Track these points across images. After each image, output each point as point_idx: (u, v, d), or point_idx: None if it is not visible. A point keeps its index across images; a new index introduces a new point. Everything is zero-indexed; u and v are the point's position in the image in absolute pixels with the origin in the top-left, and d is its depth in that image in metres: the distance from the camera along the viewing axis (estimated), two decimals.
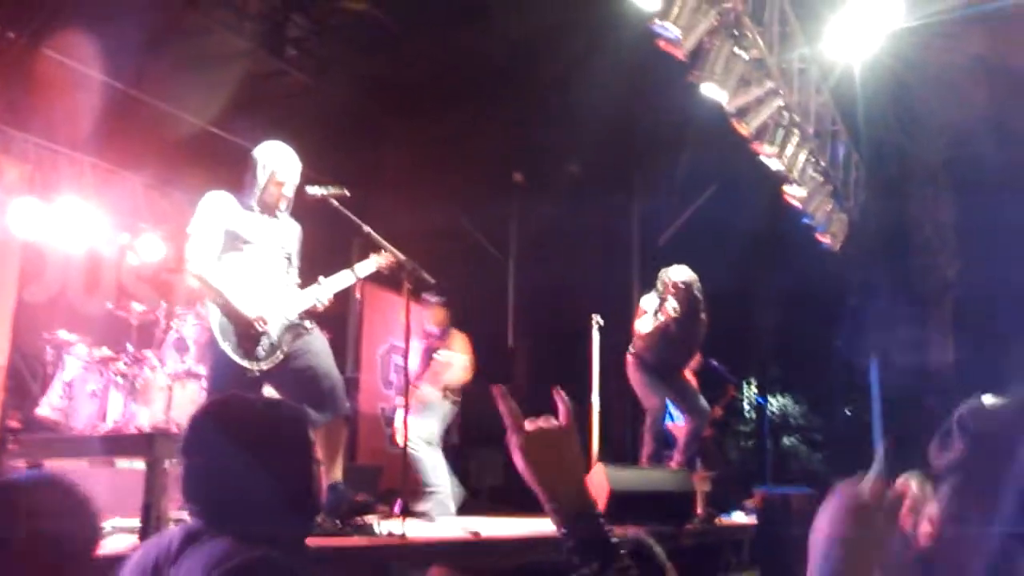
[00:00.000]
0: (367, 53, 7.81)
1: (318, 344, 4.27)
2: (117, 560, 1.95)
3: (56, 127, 6.87)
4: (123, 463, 3.72)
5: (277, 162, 4.20)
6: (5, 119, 6.57)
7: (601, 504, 4.90)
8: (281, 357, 4.07)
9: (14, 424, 5.23)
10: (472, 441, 10.46)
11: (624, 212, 10.88)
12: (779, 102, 7.57)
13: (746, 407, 11.40)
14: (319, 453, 2.91)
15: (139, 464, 3.32)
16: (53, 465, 3.58)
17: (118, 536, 3.31)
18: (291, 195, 4.28)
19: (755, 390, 11.50)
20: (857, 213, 10.29)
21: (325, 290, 4.28)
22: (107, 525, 3.58)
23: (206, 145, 7.42)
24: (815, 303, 11.14)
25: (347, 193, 4.42)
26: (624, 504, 5.51)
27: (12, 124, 6.67)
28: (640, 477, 6.18)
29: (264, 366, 4.02)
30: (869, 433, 11.35)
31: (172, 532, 1.90)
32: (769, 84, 7.32)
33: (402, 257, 4.59)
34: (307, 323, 4.22)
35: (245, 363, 3.97)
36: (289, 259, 4.32)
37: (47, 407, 5.05)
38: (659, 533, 5.34)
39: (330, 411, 4.09)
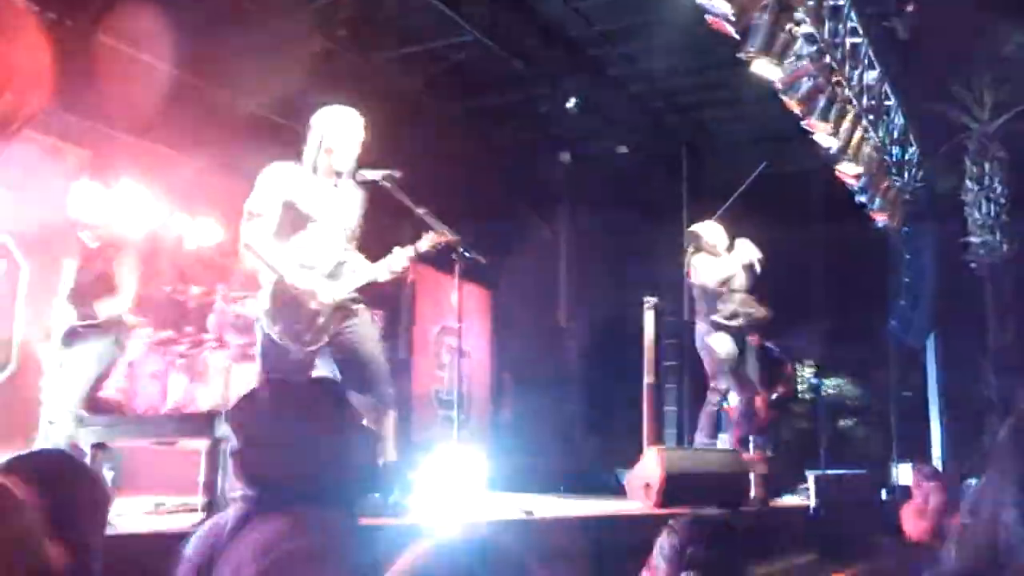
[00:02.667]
0: (418, 35, 7.83)
1: (366, 328, 4.23)
2: (180, 538, 2.00)
3: (114, 112, 6.99)
4: (185, 442, 3.79)
5: (330, 128, 4.11)
6: (64, 105, 6.69)
7: (656, 486, 4.88)
8: (327, 339, 4.06)
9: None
10: (526, 422, 10.49)
11: (674, 191, 10.78)
12: (831, 78, 7.44)
13: (801, 388, 11.27)
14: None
15: (200, 444, 3.38)
16: (121, 447, 3.67)
17: (181, 515, 3.38)
18: (350, 160, 4.19)
19: (810, 371, 11.36)
20: (913, 190, 10.09)
21: (379, 269, 4.26)
22: (169, 503, 3.67)
23: (261, 128, 7.50)
24: (870, 282, 10.97)
25: (398, 174, 4.41)
26: (679, 487, 5.50)
27: (71, 110, 6.80)
28: (694, 459, 6.16)
29: (312, 347, 4.03)
30: (926, 414, 11.17)
31: (229, 512, 1.93)
32: (821, 59, 7.20)
33: (454, 237, 4.57)
34: (355, 305, 4.19)
35: (294, 344, 3.98)
36: (347, 231, 4.25)
37: (110, 388, 5.16)
38: (713, 516, 5.32)
39: (375, 394, 4.06)
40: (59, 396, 4.53)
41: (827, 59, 7.26)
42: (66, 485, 1.72)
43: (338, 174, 4.15)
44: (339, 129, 4.14)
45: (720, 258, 6.88)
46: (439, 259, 4.79)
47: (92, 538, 1.78)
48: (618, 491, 6.20)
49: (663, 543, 2.19)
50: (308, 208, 4.05)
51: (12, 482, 1.55)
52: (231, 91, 7.51)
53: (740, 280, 6.82)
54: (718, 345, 6.66)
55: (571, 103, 9.00)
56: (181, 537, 1.99)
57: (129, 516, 3.31)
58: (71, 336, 4.66)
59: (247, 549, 1.73)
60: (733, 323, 6.67)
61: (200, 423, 3.27)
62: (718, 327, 6.66)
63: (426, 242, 4.45)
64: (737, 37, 6.31)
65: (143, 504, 3.72)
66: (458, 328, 4.95)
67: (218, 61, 7.16)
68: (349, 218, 4.25)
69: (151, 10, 6.03)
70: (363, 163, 4.41)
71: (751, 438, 7.11)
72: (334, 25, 7.36)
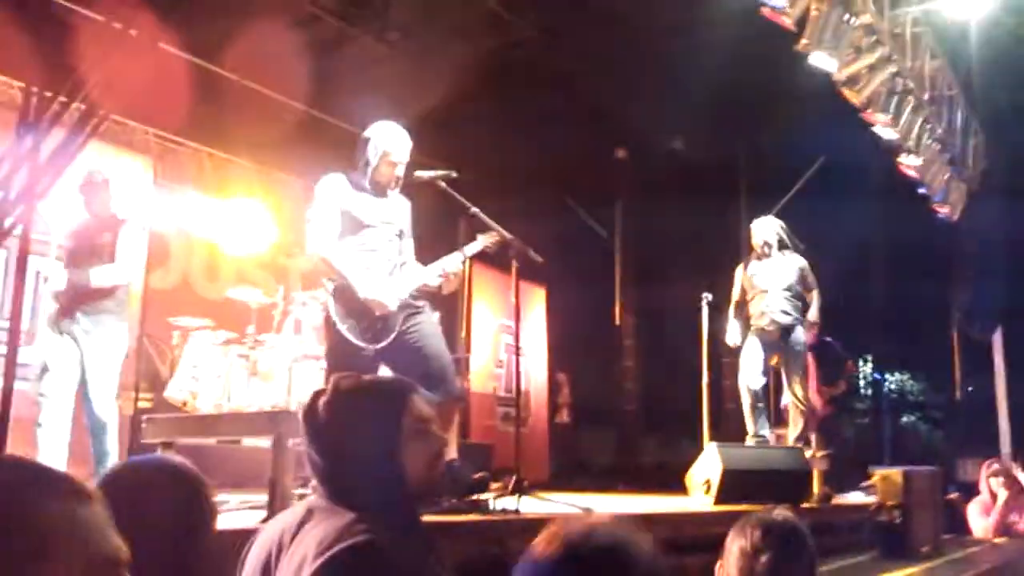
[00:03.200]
0: (470, 34, 7.86)
1: (429, 325, 4.34)
2: (246, 534, 2.04)
3: (174, 119, 7.14)
4: (249, 441, 3.87)
5: (389, 142, 4.28)
6: (127, 113, 6.86)
7: (715, 482, 4.84)
8: (393, 337, 4.15)
9: (147, 405, 5.51)
10: (584, 420, 10.50)
11: (731, 186, 10.69)
12: (891, 68, 7.32)
13: (862, 384, 11.10)
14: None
15: (263, 442, 3.45)
16: (187, 444, 3.76)
17: (246, 512, 3.45)
18: (402, 174, 4.36)
19: (871, 366, 11.19)
20: (976, 181, 9.88)
21: (435, 270, 4.35)
22: (235, 500, 3.74)
23: (315, 130, 7.62)
24: (933, 276, 10.77)
25: (454, 174, 4.47)
26: (737, 483, 5.47)
27: (134, 117, 6.97)
28: (753, 456, 6.11)
29: (378, 346, 4.11)
30: (992, 410, 10.94)
31: (296, 508, 1.97)
32: (881, 50, 7.08)
33: (509, 236, 4.62)
34: (419, 303, 4.30)
35: (361, 343, 4.07)
36: (400, 236, 4.40)
37: (175, 389, 5.28)
38: (783, 519, 5.27)
39: (441, 392, 4.14)
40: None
41: (887, 49, 7.14)
42: (173, 495, 1.75)
43: (392, 183, 4.28)
44: (399, 142, 4.29)
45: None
46: (496, 258, 4.83)
47: (197, 551, 1.80)
48: (677, 488, 6.18)
49: (732, 547, 2.15)
50: (362, 215, 4.20)
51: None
52: (284, 94, 7.63)
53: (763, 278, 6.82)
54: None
55: (622, 153, 9.17)
56: (246, 535, 2.03)
57: None
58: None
59: (310, 545, 1.76)
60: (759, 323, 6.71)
61: (263, 422, 3.33)
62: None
63: (479, 244, 4.52)
64: (794, 29, 6.24)
65: None
66: (515, 326, 4.97)
67: (271, 63, 7.29)
68: (400, 224, 4.37)
69: (206, 18, 6.15)
70: (419, 164, 4.49)
71: (811, 435, 7.03)
72: (387, 28, 7.43)
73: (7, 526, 0.83)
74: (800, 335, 6.77)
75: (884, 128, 7.67)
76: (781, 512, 2.18)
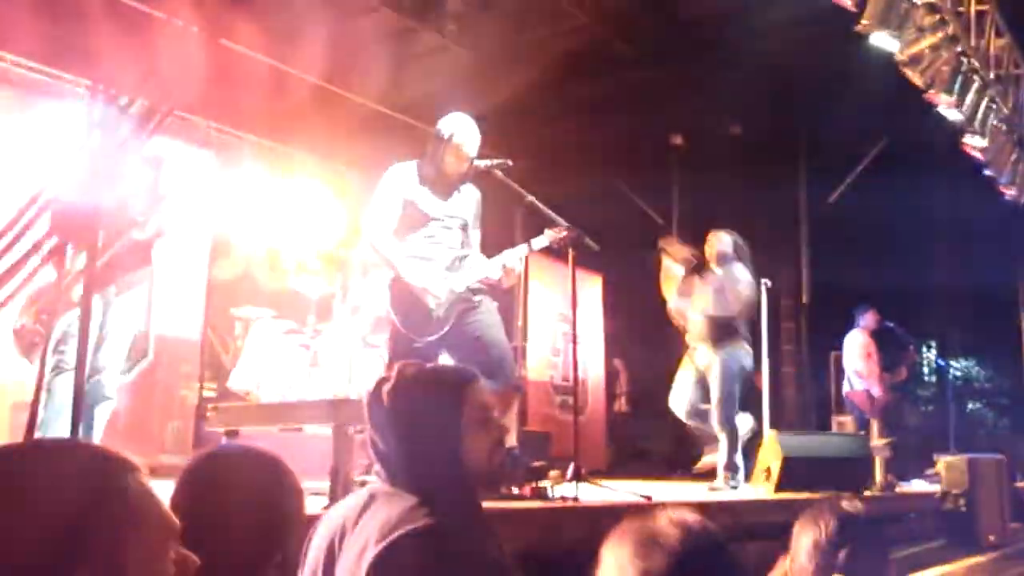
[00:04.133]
0: (526, 25, 7.85)
1: (488, 315, 4.36)
2: (310, 520, 2.08)
3: (235, 113, 7.26)
4: (311, 428, 3.93)
5: (460, 134, 4.30)
6: (188, 108, 6.98)
7: (775, 471, 4.79)
8: (449, 328, 4.18)
9: (211, 394, 5.63)
10: (642, 408, 10.46)
11: (790, 171, 10.54)
12: (955, 48, 7.15)
13: (926, 371, 10.90)
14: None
15: (324, 430, 3.50)
16: (250, 433, 3.83)
17: (309, 498, 3.51)
18: (470, 167, 4.36)
19: (935, 352, 10.97)
20: None
21: (497, 264, 4.37)
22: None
23: (376, 123, 7.68)
24: (999, 260, 10.52)
25: (510, 163, 4.49)
26: (798, 470, 5.42)
27: (195, 112, 7.09)
28: (814, 443, 6.05)
29: (432, 337, 4.15)
30: None
31: (359, 493, 2.01)
32: (944, 29, 6.92)
33: (565, 225, 4.62)
34: (476, 296, 4.32)
35: (414, 335, 4.12)
36: (465, 229, 4.42)
37: (238, 378, 5.39)
38: (855, 510, 5.21)
39: (500, 380, 4.17)
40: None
41: (950, 29, 6.98)
42: (266, 484, 1.76)
43: (460, 176, 4.29)
44: (467, 135, 4.31)
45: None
46: (552, 246, 4.84)
47: (289, 541, 1.83)
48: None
49: (802, 539, 2.11)
50: (427, 207, 4.23)
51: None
52: (344, 87, 7.70)
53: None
54: None
55: (678, 140, 9.10)
56: (309, 521, 2.07)
57: None
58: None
59: (372, 529, 1.79)
60: None
61: (324, 410, 3.39)
62: None
63: (544, 239, 4.52)
64: (855, 9, 6.13)
65: None
66: (572, 314, 4.98)
67: (331, 59, 7.36)
68: (466, 216, 4.38)
69: (265, 13, 6.23)
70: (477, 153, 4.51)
71: (874, 422, 6.93)
72: (444, 19, 7.45)
73: (104, 499, 0.91)
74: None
75: (948, 109, 7.50)
76: (851, 502, 2.13)
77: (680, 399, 6.19)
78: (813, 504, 2.11)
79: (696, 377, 6.10)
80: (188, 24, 3.49)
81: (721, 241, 6.35)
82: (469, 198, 4.45)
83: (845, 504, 2.07)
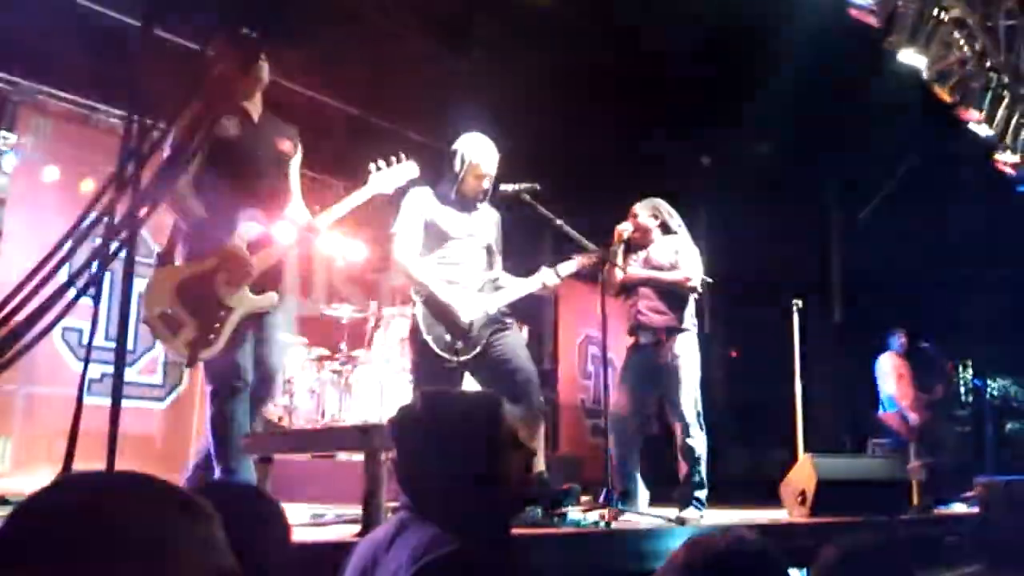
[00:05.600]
0: (553, 48, 7.89)
1: (515, 339, 4.38)
2: (342, 548, 2.09)
3: None
4: (342, 455, 3.95)
5: (477, 154, 4.32)
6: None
7: (810, 493, 4.72)
8: (479, 350, 4.19)
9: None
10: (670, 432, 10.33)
11: (819, 189, 10.49)
12: (985, 63, 7.10)
13: (962, 391, 10.75)
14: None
15: (356, 456, 3.51)
16: (283, 459, 3.86)
17: (341, 525, 3.52)
18: (489, 186, 4.38)
19: (971, 372, 10.82)
20: None
21: (532, 284, 4.40)
22: (331, 514, 3.82)
23: (400, 147, 7.72)
24: None
25: (538, 187, 4.50)
26: (833, 493, 5.36)
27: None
28: (849, 465, 5.99)
29: (463, 358, 4.15)
30: None
31: (389, 522, 2.01)
32: (972, 45, 6.88)
33: (593, 248, 4.64)
34: (507, 319, 4.33)
35: (446, 355, 4.12)
36: (488, 250, 4.44)
37: (271, 405, 5.42)
38: (872, 523, 5.15)
39: (525, 404, 4.17)
40: None
41: (979, 44, 6.93)
42: (251, 519, 1.79)
43: (479, 196, 4.31)
44: (487, 154, 4.34)
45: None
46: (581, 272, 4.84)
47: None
48: (768, 499, 6.08)
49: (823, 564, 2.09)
50: (448, 227, 4.25)
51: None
52: (368, 112, 7.78)
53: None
54: None
55: (706, 161, 9.08)
56: (341, 547, 2.08)
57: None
58: None
59: (404, 554, 1.79)
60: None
61: (356, 437, 3.39)
62: None
63: (573, 264, 4.54)
64: (881, 27, 6.11)
65: (297, 513, 3.88)
66: (602, 337, 4.96)
67: (354, 83, 7.44)
68: (488, 237, 4.39)
69: (287, 38, 6.30)
70: (502, 176, 4.53)
71: (911, 444, 6.84)
72: (466, 43, 7.51)
73: (130, 536, 0.88)
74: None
75: (978, 125, 7.43)
76: (865, 534, 2.08)
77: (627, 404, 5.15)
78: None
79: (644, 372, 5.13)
80: (216, 55, 3.55)
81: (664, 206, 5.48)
82: (489, 219, 4.47)
83: (857, 540, 2.01)
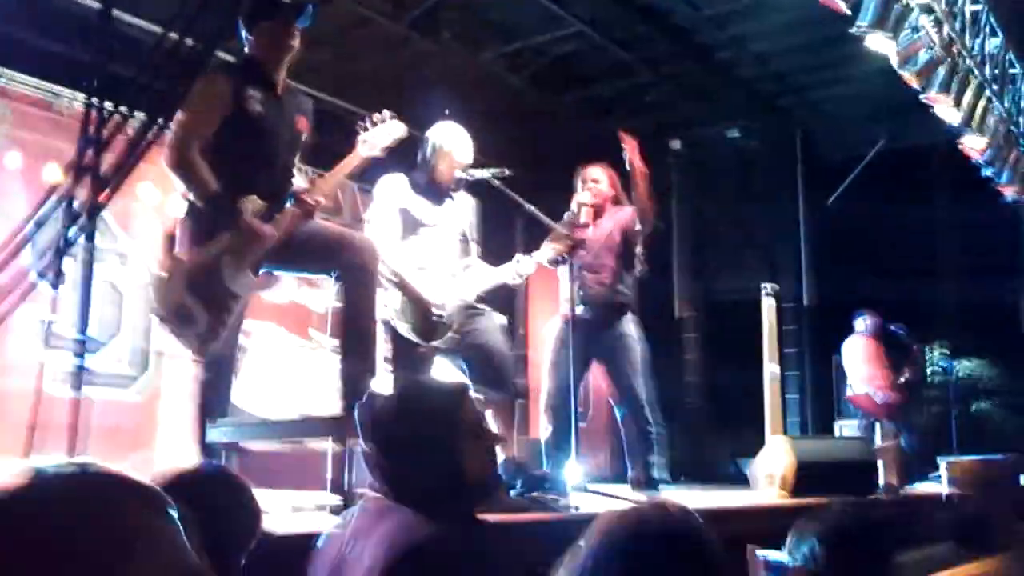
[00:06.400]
0: (521, 31, 7.86)
1: (491, 324, 4.36)
2: (314, 537, 2.06)
3: None
4: (313, 443, 3.91)
5: (449, 141, 4.30)
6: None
7: (788, 476, 4.73)
8: (454, 336, 4.18)
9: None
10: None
11: (789, 174, 10.53)
12: (951, 48, 7.14)
13: (931, 372, 10.87)
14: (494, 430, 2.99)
15: (328, 444, 3.48)
16: (254, 448, 3.82)
17: (313, 513, 3.49)
18: (463, 175, 4.35)
19: (939, 353, 10.94)
20: None
21: (506, 273, 4.38)
22: (304, 501, 3.79)
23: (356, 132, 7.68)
24: (1002, 258, 10.49)
25: (509, 173, 4.47)
26: (809, 475, 5.40)
27: None
28: (822, 447, 6.04)
29: (437, 344, 4.14)
30: None
31: (361, 509, 2.00)
32: (939, 30, 6.92)
33: (564, 231, 4.63)
34: (481, 305, 4.32)
35: (420, 341, 4.11)
36: (463, 238, 4.41)
37: (239, 392, 5.35)
38: (849, 504, 5.18)
39: (501, 388, 4.17)
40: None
41: (945, 29, 6.97)
42: (222, 504, 1.77)
43: (452, 184, 4.28)
44: (456, 142, 4.31)
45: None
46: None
47: (237, 560, 1.83)
48: (739, 481, 6.11)
49: (797, 546, 2.09)
50: (421, 215, 4.22)
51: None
52: (337, 97, 7.70)
53: None
54: None
55: (676, 145, 9.07)
56: (313, 537, 2.06)
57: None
58: None
59: (377, 544, 1.78)
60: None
61: (327, 425, 3.36)
62: None
63: (547, 251, 4.52)
64: (849, 12, 6.12)
65: (274, 500, 3.84)
66: (572, 321, 4.93)
67: (321, 69, 7.35)
68: (462, 224, 4.36)
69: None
70: (473, 161, 4.50)
71: (880, 424, 6.90)
72: (438, 27, 7.45)
73: (93, 533, 0.85)
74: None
75: (945, 109, 7.49)
76: (842, 507, 2.08)
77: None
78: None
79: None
80: (185, 39, 3.48)
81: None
82: (464, 206, 4.44)
83: (835, 514, 2.00)
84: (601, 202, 5.12)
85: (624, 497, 4.58)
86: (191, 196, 3.34)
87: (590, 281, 4.99)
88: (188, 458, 3.47)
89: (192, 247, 3.39)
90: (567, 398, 4.61)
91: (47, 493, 0.86)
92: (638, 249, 5.08)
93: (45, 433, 3.08)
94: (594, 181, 5.16)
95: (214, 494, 1.77)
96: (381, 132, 3.80)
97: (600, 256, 5.04)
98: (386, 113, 3.82)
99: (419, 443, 1.93)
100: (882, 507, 5.65)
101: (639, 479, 4.83)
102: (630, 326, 5.03)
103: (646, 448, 4.84)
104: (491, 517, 3.11)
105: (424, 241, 4.26)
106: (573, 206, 5.10)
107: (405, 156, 4.37)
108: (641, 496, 4.66)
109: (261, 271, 3.46)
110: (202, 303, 3.31)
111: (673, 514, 1.43)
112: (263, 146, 3.48)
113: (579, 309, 4.86)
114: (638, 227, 5.05)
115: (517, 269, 4.41)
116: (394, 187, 4.29)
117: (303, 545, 2.09)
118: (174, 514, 0.92)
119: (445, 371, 4.35)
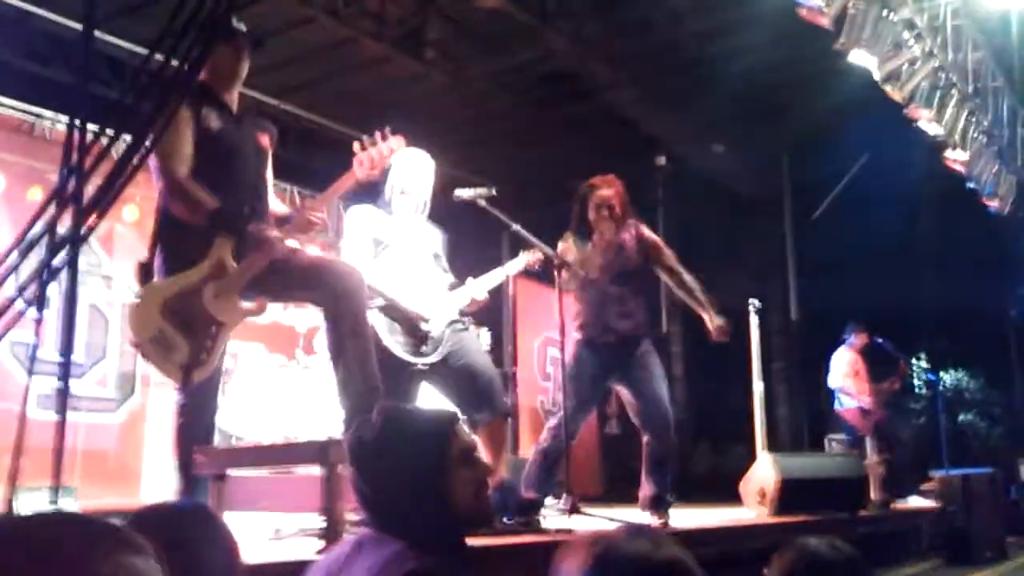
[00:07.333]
0: (504, 49, 7.87)
1: (473, 342, 4.33)
2: (302, 565, 2.04)
3: None
4: (301, 469, 3.87)
5: (403, 177, 4.25)
6: None
7: (771, 493, 4.71)
8: (444, 353, 4.15)
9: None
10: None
11: (774, 189, 10.58)
12: (933, 63, 7.20)
13: (916, 384, 10.91)
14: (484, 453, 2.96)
15: (315, 470, 3.45)
16: (240, 474, 3.78)
17: (301, 540, 3.46)
18: (427, 199, 4.33)
19: (925, 365, 10.98)
20: None
21: (479, 287, 4.35)
22: (292, 527, 3.75)
23: (352, 152, 7.68)
24: (985, 271, 10.56)
25: (494, 192, 4.46)
26: (795, 492, 5.39)
27: None
28: (809, 464, 6.03)
29: (429, 360, 4.11)
30: None
31: (347, 539, 1.98)
32: (921, 44, 6.97)
33: (550, 251, 4.62)
34: (462, 321, 4.29)
35: (411, 359, 4.07)
36: (436, 257, 4.39)
37: (226, 417, 5.32)
38: (833, 521, 5.18)
39: (488, 409, 4.12)
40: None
41: (927, 43, 7.03)
42: (198, 540, 1.75)
43: (414, 212, 4.27)
44: (411, 172, 4.26)
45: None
46: (539, 271, 4.82)
47: None
48: (730, 499, 6.10)
49: None
50: (390, 239, 4.20)
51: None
52: (321, 116, 7.71)
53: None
54: None
55: (662, 160, 9.09)
56: (299, 566, 2.04)
57: (248, 542, 3.40)
58: None
59: (362, 569, 1.76)
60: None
61: (314, 451, 3.33)
62: None
63: (520, 262, 4.51)
64: (832, 28, 6.16)
65: (258, 525, 3.81)
66: (560, 339, 4.93)
67: (306, 87, 7.36)
68: (434, 248, 4.38)
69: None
70: (457, 179, 4.49)
71: (867, 439, 6.91)
72: (422, 47, 7.47)
73: None
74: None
75: (928, 123, 7.54)
76: (823, 541, 2.00)
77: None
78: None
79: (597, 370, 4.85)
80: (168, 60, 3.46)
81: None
82: (432, 233, 4.42)
83: (812, 544, 1.95)
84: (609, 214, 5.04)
85: (615, 519, 4.56)
86: (193, 218, 3.31)
87: (613, 309, 4.94)
88: (172, 485, 3.42)
89: (170, 275, 3.33)
90: (572, 419, 4.66)
91: (15, 541, 0.85)
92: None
93: (30, 457, 3.04)
94: (608, 208, 5.08)
95: (190, 530, 1.74)
96: (380, 151, 3.76)
97: (618, 281, 5.01)
98: (387, 131, 3.79)
99: (404, 474, 1.90)
100: (868, 524, 5.65)
101: (650, 499, 4.79)
102: (650, 349, 4.97)
103: (663, 471, 4.80)
104: (482, 541, 3.10)
105: (397, 261, 4.24)
106: (566, 242, 5.02)
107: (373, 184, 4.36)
108: (652, 517, 4.64)
109: (245, 299, 3.41)
110: (180, 331, 3.24)
111: (647, 541, 1.41)
112: (227, 163, 3.47)
113: (599, 332, 4.87)
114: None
115: (484, 284, 4.38)
116: (363, 216, 4.27)
117: (291, 573, 2.07)
118: (150, 556, 0.90)
119: (432, 398, 4.32)
